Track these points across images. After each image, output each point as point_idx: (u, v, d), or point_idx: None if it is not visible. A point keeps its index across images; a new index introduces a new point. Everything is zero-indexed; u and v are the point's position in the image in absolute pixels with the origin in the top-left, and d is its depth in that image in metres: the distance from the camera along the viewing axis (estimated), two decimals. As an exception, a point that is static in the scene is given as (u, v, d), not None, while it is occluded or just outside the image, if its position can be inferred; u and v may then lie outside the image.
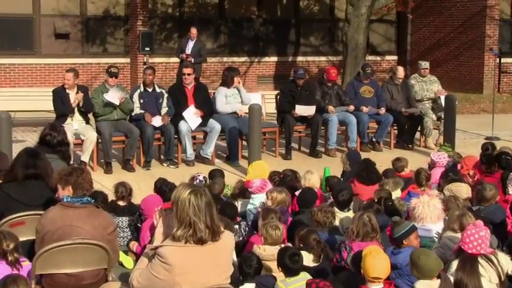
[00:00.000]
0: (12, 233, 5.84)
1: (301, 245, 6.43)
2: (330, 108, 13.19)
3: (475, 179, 9.24)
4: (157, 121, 11.79)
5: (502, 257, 5.65)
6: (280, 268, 5.82)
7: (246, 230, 7.58)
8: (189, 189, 4.71)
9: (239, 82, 12.73)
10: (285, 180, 8.93)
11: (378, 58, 24.76)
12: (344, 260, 6.30)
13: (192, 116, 11.96)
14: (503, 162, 9.18)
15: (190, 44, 17.46)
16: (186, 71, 12.40)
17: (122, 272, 7.15)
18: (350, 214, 7.67)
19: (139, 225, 8.20)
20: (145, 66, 13.66)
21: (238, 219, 7.69)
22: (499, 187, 8.54)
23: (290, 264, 5.73)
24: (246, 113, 12.35)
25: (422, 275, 5.23)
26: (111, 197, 8.62)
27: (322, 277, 5.73)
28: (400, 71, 14.09)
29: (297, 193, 8.41)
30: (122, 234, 8.12)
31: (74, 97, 11.32)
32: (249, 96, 12.80)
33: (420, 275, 5.24)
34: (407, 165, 10.05)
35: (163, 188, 8.47)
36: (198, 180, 8.77)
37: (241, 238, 7.38)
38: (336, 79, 13.53)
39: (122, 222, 8.21)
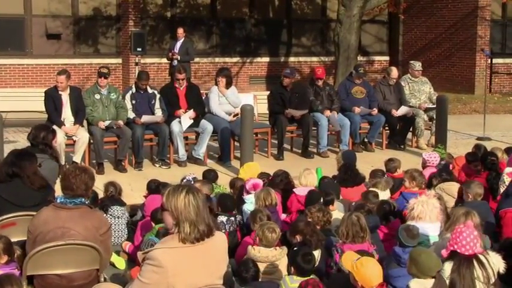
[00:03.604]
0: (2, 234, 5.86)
1: (298, 237, 6.48)
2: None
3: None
4: (147, 118, 11.79)
5: (493, 256, 5.66)
6: (292, 267, 5.86)
7: (241, 223, 7.66)
8: (185, 189, 4.70)
9: (223, 86, 12.66)
10: (274, 182, 8.94)
11: (370, 58, 24.80)
12: (336, 264, 6.32)
13: (186, 119, 11.96)
14: (489, 163, 9.18)
15: (178, 44, 17.52)
16: (180, 76, 12.32)
17: (113, 272, 7.15)
18: (339, 214, 7.69)
19: (132, 226, 8.26)
20: (138, 71, 13.64)
21: (234, 212, 7.81)
22: (486, 188, 8.56)
23: (302, 264, 5.77)
24: (237, 115, 12.35)
25: (421, 273, 5.23)
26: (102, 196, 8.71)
27: (318, 277, 5.76)
28: (394, 72, 14.08)
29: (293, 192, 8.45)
30: (117, 227, 8.25)
31: (69, 130, 11.27)
32: (234, 99, 12.71)
33: (419, 272, 5.24)
34: (400, 166, 10.06)
35: (160, 189, 8.55)
36: (185, 180, 8.80)
37: (231, 229, 7.50)
38: (323, 77, 13.50)
39: (117, 211, 8.33)
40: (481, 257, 5.48)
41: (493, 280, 5.48)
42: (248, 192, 8.22)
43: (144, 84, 12.01)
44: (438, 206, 7.02)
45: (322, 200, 7.98)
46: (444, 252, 5.56)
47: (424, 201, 6.96)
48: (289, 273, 5.93)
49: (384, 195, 8.59)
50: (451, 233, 5.69)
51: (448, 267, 5.48)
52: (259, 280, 6.07)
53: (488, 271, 5.44)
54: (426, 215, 6.86)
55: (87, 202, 5.76)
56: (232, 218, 7.61)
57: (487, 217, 7.49)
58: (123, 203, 8.62)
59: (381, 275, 5.37)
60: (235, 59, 22.92)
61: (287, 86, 12.96)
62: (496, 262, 5.60)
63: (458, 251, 5.46)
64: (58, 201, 5.65)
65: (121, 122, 11.54)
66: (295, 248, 6.15)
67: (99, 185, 9.75)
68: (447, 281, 5.40)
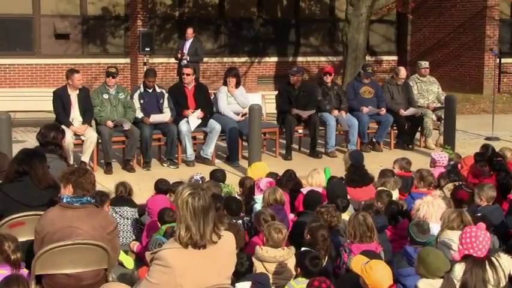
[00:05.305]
0: (11, 234, 5.84)
1: (309, 237, 6.48)
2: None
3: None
4: (155, 118, 11.80)
5: (505, 258, 5.64)
6: (299, 269, 5.88)
7: (249, 225, 7.66)
8: (189, 190, 4.68)
9: (232, 86, 12.69)
10: (281, 182, 8.96)
11: (378, 58, 24.76)
12: (345, 263, 6.32)
13: (194, 119, 11.97)
14: (496, 165, 9.17)
15: (187, 44, 17.50)
16: (186, 71, 12.42)
17: (121, 272, 7.16)
18: (348, 214, 7.69)
19: (141, 226, 8.27)
20: (146, 69, 13.65)
21: (242, 214, 7.83)
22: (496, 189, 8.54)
23: (310, 267, 5.80)
24: (245, 114, 12.37)
25: (429, 273, 5.22)
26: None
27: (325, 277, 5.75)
28: (402, 72, 14.06)
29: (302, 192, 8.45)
30: (125, 227, 8.27)
31: (78, 130, 11.28)
32: (243, 99, 12.75)
33: (427, 273, 5.23)
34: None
35: (169, 189, 8.59)
36: (193, 179, 8.80)
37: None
38: (331, 71, 13.53)
39: (126, 212, 8.35)
40: (493, 259, 5.45)
41: (503, 283, 5.46)
42: (260, 191, 8.23)
43: (151, 81, 12.01)
44: (444, 206, 7.02)
45: (328, 201, 7.99)
46: (457, 256, 5.54)
47: (430, 201, 6.96)
48: (296, 273, 5.94)
49: (392, 195, 8.58)
50: (460, 236, 5.64)
51: (459, 269, 5.46)
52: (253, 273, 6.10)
53: (499, 274, 5.42)
54: (432, 216, 6.87)
55: (93, 201, 5.76)
56: (240, 221, 7.59)
57: (501, 220, 7.48)
58: (134, 204, 8.61)
59: (390, 277, 5.36)
60: (243, 59, 22.91)
61: (294, 85, 12.96)
62: (507, 264, 5.58)
63: (474, 254, 5.43)
64: (64, 200, 5.65)
65: (128, 122, 11.51)
66: (302, 249, 6.14)
67: (107, 185, 9.80)
68: (459, 283, 5.39)
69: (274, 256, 6.22)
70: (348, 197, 8.32)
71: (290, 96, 12.92)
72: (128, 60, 21.44)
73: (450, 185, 8.81)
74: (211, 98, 12.86)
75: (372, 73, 13.92)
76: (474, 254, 5.43)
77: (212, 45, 22.64)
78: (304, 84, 13.31)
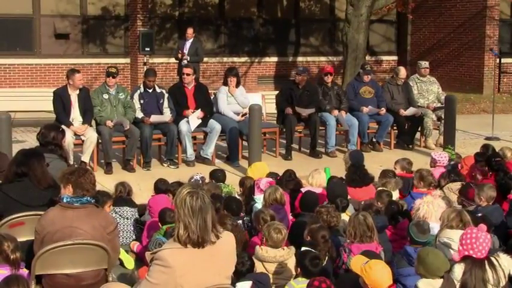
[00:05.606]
0: (10, 234, 5.84)
1: (309, 238, 6.48)
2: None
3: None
4: (156, 118, 11.79)
5: (504, 258, 5.64)
6: (299, 269, 5.88)
7: (249, 225, 7.68)
8: (188, 189, 4.69)
9: (233, 86, 12.69)
10: (281, 182, 8.96)
11: (378, 58, 24.76)
12: (344, 263, 6.32)
13: (194, 119, 11.97)
14: (494, 165, 9.18)
15: (187, 44, 17.50)
16: (186, 70, 12.42)
17: (121, 272, 7.16)
18: (348, 214, 7.69)
19: (141, 226, 8.27)
20: (146, 69, 13.63)
21: (242, 214, 7.84)
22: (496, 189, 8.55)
23: (310, 267, 5.80)
24: (245, 114, 12.37)
25: (429, 273, 5.23)
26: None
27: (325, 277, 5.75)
28: (402, 72, 14.05)
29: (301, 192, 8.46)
30: (125, 227, 8.27)
31: (78, 130, 11.27)
32: (243, 99, 12.76)
33: (426, 273, 5.24)
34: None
35: (167, 189, 8.58)
36: (193, 180, 8.81)
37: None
38: (332, 71, 13.54)
39: (126, 212, 8.34)
40: (493, 259, 5.46)
41: (503, 283, 5.47)
42: (260, 191, 8.23)
43: (151, 81, 12.01)
44: (444, 206, 7.02)
45: (328, 201, 7.99)
46: (456, 256, 5.54)
47: (430, 201, 6.96)
48: (296, 273, 5.94)
49: (393, 195, 8.58)
50: (461, 237, 5.64)
51: (458, 269, 5.46)
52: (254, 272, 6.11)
53: (499, 274, 5.42)
54: (432, 215, 6.87)
55: (93, 201, 5.76)
56: (240, 221, 7.60)
57: (501, 220, 7.48)
58: (134, 204, 8.60)
59: (390, 277, 5.37)
60: (243, 59, 22.92)
61: (299, 84, 12.96)
62: (506, 264, 5.58)
63: (474, 256, 5.43)
64: (64, 200, 5.65)
65: (127, 122, 11.50)
66: (303, 249, 6.14)
67: (107, 185, 9.79)
68: (459, 284, 5.39)
69: (274, 256, 6.22)
70: (348, 197, 8.33)
71: (293, 94, 12.92)
72: (128, 60, 21.44)
73: (451, 185, 8.82)
74: (211, 98, 12.87)
75: (370, 70, 13.92)
76: (474, 256, 5.43)
77: (212, 45, 22.65)
78: (308, 84, 13.28)
